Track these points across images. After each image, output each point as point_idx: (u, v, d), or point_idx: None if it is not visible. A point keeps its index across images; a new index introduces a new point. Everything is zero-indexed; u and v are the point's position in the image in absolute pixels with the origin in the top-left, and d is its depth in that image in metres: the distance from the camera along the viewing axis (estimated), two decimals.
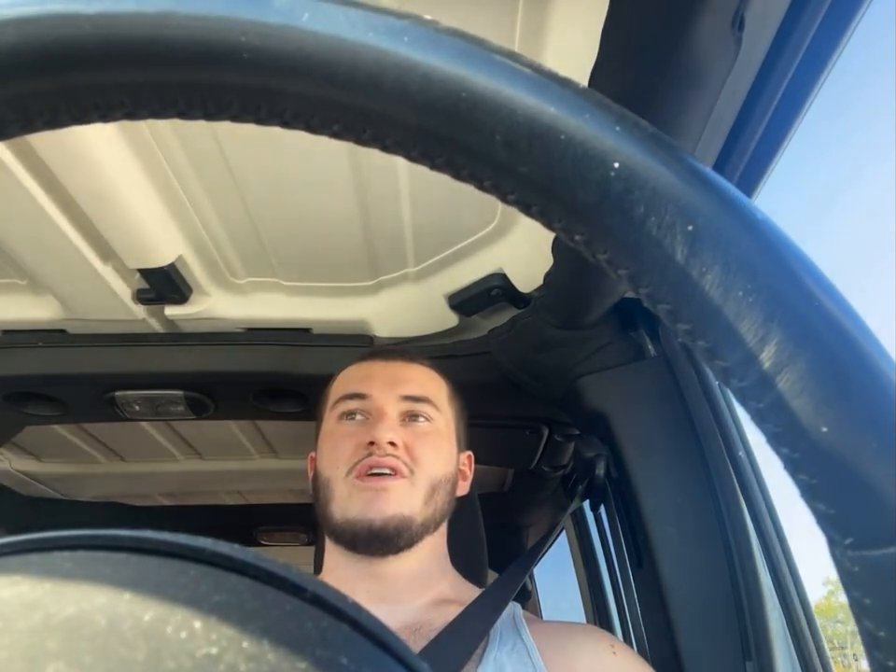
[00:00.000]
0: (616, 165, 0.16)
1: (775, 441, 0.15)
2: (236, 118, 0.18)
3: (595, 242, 0.17)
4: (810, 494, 0.15)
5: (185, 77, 0.17)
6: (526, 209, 0.17)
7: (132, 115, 0.18)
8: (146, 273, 0.90)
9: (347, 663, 0.15)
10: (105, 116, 0.18)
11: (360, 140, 0.18)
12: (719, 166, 0.69)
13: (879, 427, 0.14)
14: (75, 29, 0.16)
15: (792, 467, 0.15)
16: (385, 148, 0.18)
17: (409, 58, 0.16)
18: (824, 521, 0.15)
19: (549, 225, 0.17)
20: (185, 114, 0.18)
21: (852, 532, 0.14)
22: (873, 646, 0.14)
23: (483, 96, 0.16)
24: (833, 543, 0.15)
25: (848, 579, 0.15)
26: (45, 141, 0.68)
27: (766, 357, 0.15)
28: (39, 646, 0.13)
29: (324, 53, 0.16)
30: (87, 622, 0.14)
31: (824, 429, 0.14)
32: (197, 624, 0.14)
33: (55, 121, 0.18)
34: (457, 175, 0.18)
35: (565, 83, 0.17)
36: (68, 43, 0.16)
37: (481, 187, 0.17)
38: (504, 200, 0.18)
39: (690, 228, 0.15)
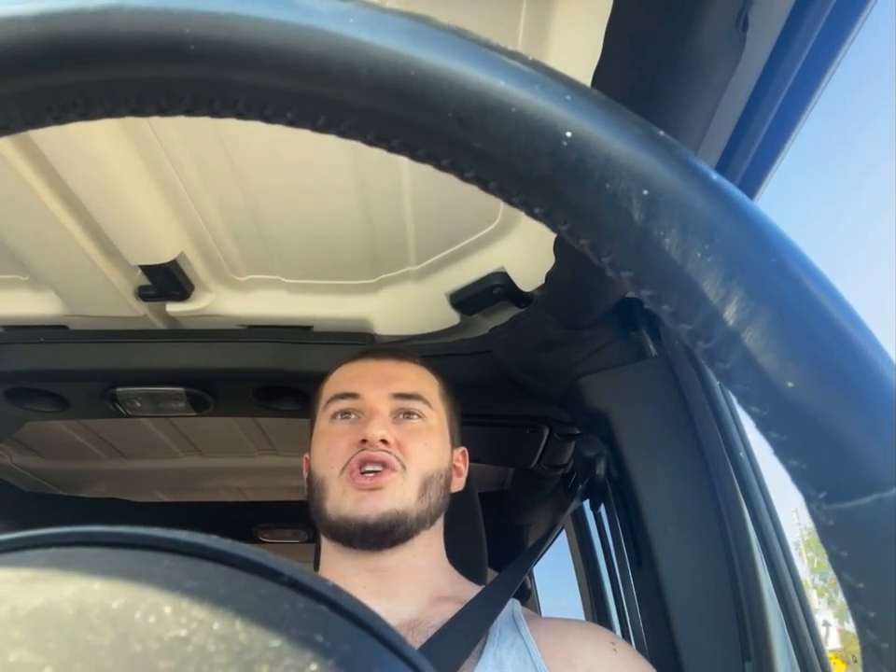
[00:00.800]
0: (568, 135, 0.16)
1: (744, 399, 0.15)
2: (190, 111, 0.18)
3: (555, 213, 0.17)
4: (782, 451, 0.15)
5: (133, 73, 0.17)
6: (485, 185, 0.17)
7: (85, 115, 0.18)
8: (147, 270, 0.90)
9: (323, 640, 0.15)
10: (59, 117, 0.18)
11: (316, 127, 0.18)
12: (722, 166, 0.69)
13: (844, 379, 0.14)
14: (18, 31, 0.16)
15: (763, 424, 0.15)
16: (342, 134, 0.18)
17: (355, 39, 0.16)
18: (798, 477, 0.15)
19: (508, 200, 0.17)
20: (138, 110, 0.18)
21: (825, 486, 0.14)
22: (853, 598, 0.14)
23: (432, 74, 0.16)
24: (808, 499, 0.15)
25: (826, 533, 0.15)
26: (47, 137, 0.68)
27: (729, 316, 0.15)
28: (4, 636, 0.13)
29: (270, 40, 0.16)
30: (54, 612, 0.14)
31: (790, 384, 0.14)
32: (167, 609, 0.14)
33: (9, 127, 0.18)
34: (414, 156, 0.17)
35: (513, 55, 0.16)
36: (14, 45, 0.16)
37: (438, 166, 0.17)
38: (462, 178, 0.17)
39: (645, 192, 0.15)
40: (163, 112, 0.18)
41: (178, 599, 0.15)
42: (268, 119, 0.18)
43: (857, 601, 0.14)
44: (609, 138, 0.16)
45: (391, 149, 0.18)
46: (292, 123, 0.18)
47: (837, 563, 0.15)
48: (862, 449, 0.14)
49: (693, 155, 0.16)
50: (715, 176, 0.16)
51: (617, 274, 0.17)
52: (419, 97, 0.16)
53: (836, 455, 0.14)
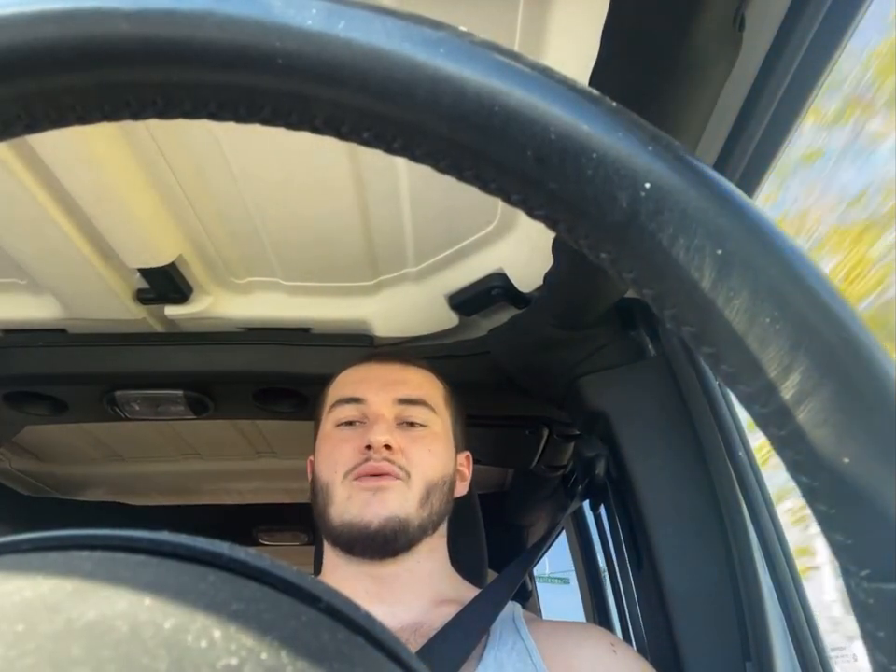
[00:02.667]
0: (647, 186, 0.16)
1: (794, 469, 0.15)
2: (267, 121, 0.18)
3: (622, 261, 0.17)
4: (828, 524, 0.15)
5: (219, 79, 0.17)
6: (553, 225, 0.17)
7: (163, 114, 0.18)
8: (146, 273, 0.90)
9: None
10: (137, 114, 0.18)
11: (390, 149, 0.18)
12: (719, 165, 0.69)
13: None
14: (111, 26, 0.16)
15: (811, 496, 0.15)
16: (415, 158, 0.18)
17: (443, 69, 0.16)
18: (840, 551, 0.15)
19: (576, 242, 0.17)
20: (216, 115, 0.18)
21: (868, 564, 0.14)
22: None
23: (516, 111, 0.16)
24: (847, 574, 0.15)
25: (862, 610, 0.15)
26: (45, 141, 0.68)
27: (790, 386, 0.15)
28: (64, 651, 0.13)
29: (358, 61, 0.16)
30: (109, 627, 0.14)
31: (846, 460, 0.14)
32: (217, 634, 0.14)
33: (86, 118, 0.18)
34: (485, 188, 0.18)
35: (598, 100, 0.16)
36: (105, 40, 0.16)
37: (508, 200, 0.17)
38: (531, 215, 0.17)
39: (719, 252, 0.15)
40: (240, 119, 0.18)
41: (227, 623, 0.15)
42: (343, 136, 0.18)
43: None
44: (688, 193, 0.16)
45: (462, 179, 0.18)
46: (366, 143, 0.18)
47: (872, 642, 0.15)
48: None
49: (769, 218, 0.16)
50: (790, 242, 0.16)
51: (678, 328, 0.17)
52: (500, 132, 0.16)
53: (884, 536, 0.14)
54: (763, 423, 0.16)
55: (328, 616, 0.16)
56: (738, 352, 0.15)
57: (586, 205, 0.16)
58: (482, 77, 0.16)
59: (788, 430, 0.15)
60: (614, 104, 0.17)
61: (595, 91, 0.17)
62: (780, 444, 0.15)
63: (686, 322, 0.16)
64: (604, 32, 0.51)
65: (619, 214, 0.16)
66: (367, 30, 0.16)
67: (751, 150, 0.68)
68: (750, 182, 0.72)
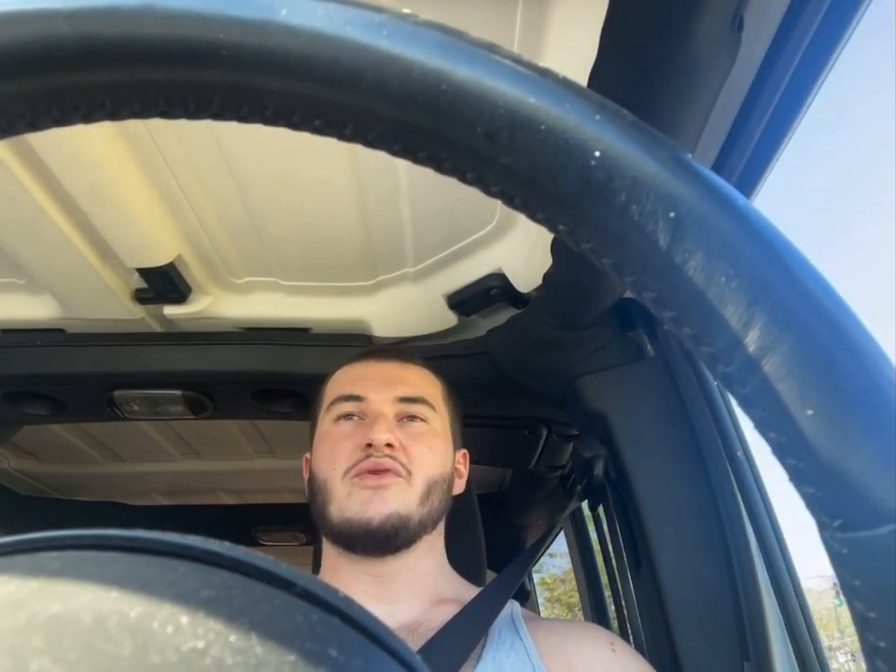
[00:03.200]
0: (597, 154, 0.16)
1: (762, 425, 0.15)
2: (218, 116, 0.18)
3: (579, 231, 0.17)
4: (798, 477, 0.15)
5: (165, 75, 0.17)
6: (509, 200, 0.17)
7: (113, 115, 0.18)
8: (144, 273, 0.90)
9: (337, 655, 0.15)
10: (87, 117, 0.18)
11: (343, 136, 0.18)
12: (718, 166, 0.70)
13: (864, 408, 0.14)
14: (52, 28, 0.16)
15: (780, 451, 0.15)
16: (368, 143, 0.18)
17: (388, 52, 0.16)
18: (813, 504, 0.15)
19: (532, 216, 0.17)
20: (167, 113, 0.18)
21: (840, 514, 0.14)
22: (865, 628, 0.14)
23: (463, 88, 0.16)
24: (822, 526, 0.15)
25: (838, 561, 0.15)
26: (43, 140, 0.68)
27: (751, 342, 0.15)
28: (24, 644, 0.13)
29: (303, 49, 0.16)
30: (72, 619, 0.14)
31: (809, 412, 0.14)
32: (184, 619, 0.14)
33: (36, 124, 0.18)
34: (440, 169, 0.18)
35: (544, 73, 0.17)
36: (46, 44, 0.16)
37: (464, 179, 0.18)
38: (487, 192, 0.18)
39: (672, 215, 0.15)
40: (191, 115, 0.18)
41: (195, 609, 0.15)
42: (295, 126, 0.18)
43: (868, 631, 0.14)
44: (638, 159, 0.16)
45: (418, 161, 0.18)
46: (319, 131, 0.18)
47: (849, 592, 0.15)
48: (880, 479, 0.14)
49: (720, 179, 0.16)
50: (742, 201, 0.16)
51: (639, 295, 0.17)
52: (449, 111, 0.16)
53: (853, 485, 0.14)
54: (727, 382, 0.16)
55: (302, 599, 0.16)
56: (698, 313, 0.16)
57: (539, 178, 0.16)
58: (426, 56, 0.16)
59: (752, 387, 0.15)
60: (561, 75, 0.17)
61: (540, 65, 0.17)
62: (746, 402, 0.16)
63: (646, 287, 0.16)
64: (603, 32, 0.51)
65: (571, 184, 0.16)
66: (309, 16, 0.16)
67: (750, 151, 0.68)
68: (749, 183, 0.72)
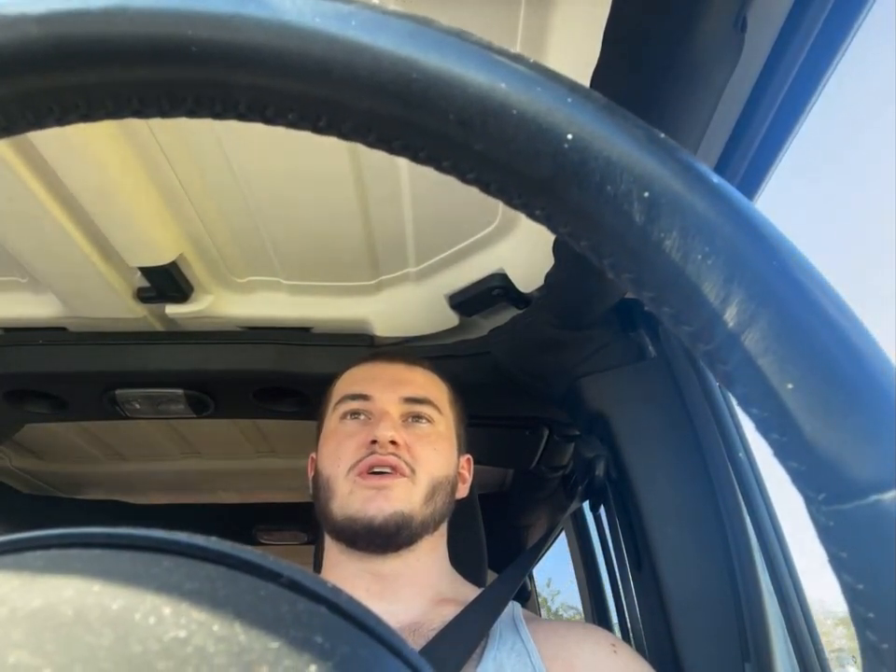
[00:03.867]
0: (569, 137, 0.16)
1: (744, 401, 0.15)
2: (192, 113, 0.18)
3: (556, 215, 0.17)
4: (782, 452, 0.15)
5: (136, 74, 0.17)
6: (486, 187, 0.17)
7: (87, 116, 0.18)
8: (146, 272, 0.90)
9: (322, 641, 0.15)
10: (61, 119, 0.18)
11: (317, 128, 0.18)
12: (720, 168, 0.69)
13: (843, 381, 0.14)
14: (21, 31, 0.16)
15: (763, 426, 0.15)
16: (343, 135, 0.18)
17: (357, 42, 0.16)
18: (798, 478, 0.15)
19: (509, 202, 0.17)
20: (140, 112, 0.18)
21: (825, 487, 0.14)
22: (853, 600, 0.14)
23: (433, 76, 0.16)
24: (808, 500, 0.15)
25: (825, 534, 0.15)
26: (46, 139, 0.68)
27: (729, 318, 0.15)
28: (3, 638, 0.13)
29: (272, 42, 0.16)
30: (53, 613, 0.14)
31: (790, 386, 0.14)
32: (167, 610, 0.14)
33: (10, 128, 0.18)
34: (416, 159, 0.18)
35: (515, 58, 0.17)
36: (16, 47, 0.16)
37: (440, 168, 0.17)
38: (464, 180, 0.18)
39: (646, 195, 0.15)
40: (165, 114, 0.18)
41: (178, 601, 0.15)
42: (269, 120, 0.18)
43: (856, 602, 0.14)
44: (610, 140, 0.16)
45: (392, 151, 0.18)
46: (293, 125, 0.18)
47: (837, 564, 0.15)
48: (862, 450, 0.14)
49: (694, 157, 0.16)
50: (716, 179, 0.16)
51: (617, 277, 0.17)
52: (420, 99, 0.16)
53: (836, 457, 0.14)
54: (709, 361, 0.16)
55: (289, 590, 0.16)
56: (676, 292, 0.16)
57: (513, 163, 0.16)
58: (396, 46, 0.16)
59: (733, 364, 0.15)
60: (532, 60, 0.17)
61: (511, 50, 0.17)
62: (728, 380, 0.16)
63: (625, 269, 0.16)
64: (605, 33, 0.51)
65: (545, 168, 0.16)
66: (277, 9, 0.16)
67: (753, 151, 0.68)
68: (752, 184, 0.72)
